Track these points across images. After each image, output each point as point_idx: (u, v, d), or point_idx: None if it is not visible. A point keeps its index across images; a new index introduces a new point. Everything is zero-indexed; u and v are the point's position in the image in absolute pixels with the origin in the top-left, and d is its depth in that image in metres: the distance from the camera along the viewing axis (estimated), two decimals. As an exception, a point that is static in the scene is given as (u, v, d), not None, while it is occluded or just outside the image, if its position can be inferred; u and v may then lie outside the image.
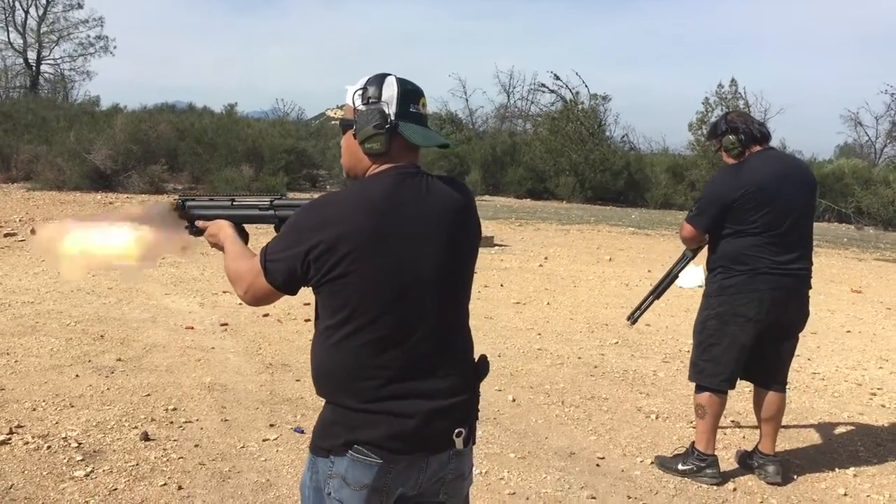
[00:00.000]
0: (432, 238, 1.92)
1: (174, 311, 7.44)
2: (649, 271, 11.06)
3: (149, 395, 5.02)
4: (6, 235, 11.86)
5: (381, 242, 1.86)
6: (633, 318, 4.65)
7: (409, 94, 1.96)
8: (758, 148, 4.03)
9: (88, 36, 42.91)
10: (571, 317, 8.19)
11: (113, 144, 20.34)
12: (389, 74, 1.98)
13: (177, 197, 2.48)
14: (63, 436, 4.27)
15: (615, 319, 8.10)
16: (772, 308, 3.98)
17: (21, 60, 42.36)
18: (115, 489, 3.68)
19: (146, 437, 4.29)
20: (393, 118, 1.92)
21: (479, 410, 2.09)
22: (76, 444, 4.16)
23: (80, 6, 42.26)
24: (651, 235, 17.13)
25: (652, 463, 4.35)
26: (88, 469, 3.87)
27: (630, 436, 4.78)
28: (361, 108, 1.95)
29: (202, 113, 31.94)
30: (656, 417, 5.14)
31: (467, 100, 41.48)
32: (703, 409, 4.13)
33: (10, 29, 41.57)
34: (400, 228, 1.88)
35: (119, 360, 5.73)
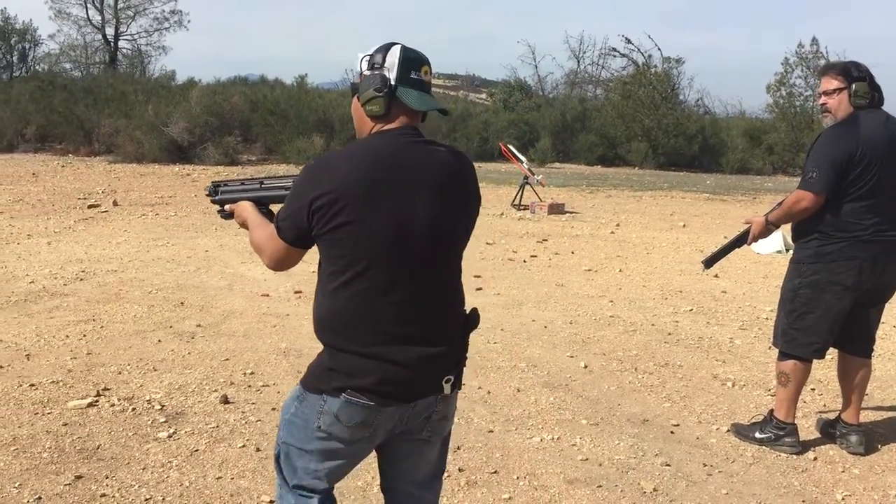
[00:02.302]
0: (425, 195, 2.00)
1: (250, 279, 7.60)
2: (725, 237, 10.78)
3: (227, 359, 5.16)
4: (90, 207, 12.29)
5: (375, 195, 1.95)
6: (708, 263, 4.47)
7: (411, 61, 2.06)
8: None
9: (163, 11, 43.83)
10: (644, 284, 8.07)
11: (189, 117, 20.85)
12: (396, 43, 2.08)
13: (210, 182, 2.54)
14: (147, 398, 4.42)
15: (690, 286, 7.95)
16: (869, 276, 3.82)
17: (100, 37, 43.56)
18: (197, 450, 3.80)
19: (225, 400, 4.41)
20: (393, 83, 2.03)
21: (467, 358, 2.20)
22: (159, 407, 4.31)
23: (154, -19, 43.12)
24: (727, 201, 16.73)
25: (728, 431, 4.27)
26: (171, 430, 4.00)
27: (705, 403, 4.70)
28: (367, 73, 2.08)
29: (274, 85, 32.38)
30: (733, 385, 5.04)
31: (536, 66, 41.25)
32: (787, 376, 4.01)
33: (89, 6, 42.74)
34: (394, 183, 1.97)
35: (199, 325, 5.90)
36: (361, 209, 1.93)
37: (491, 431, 4.14)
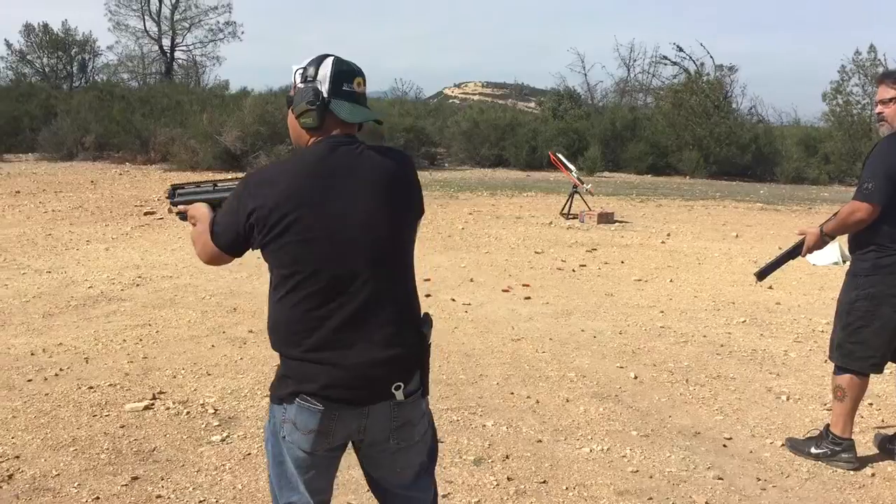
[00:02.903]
0: (362, 200, 2.04)
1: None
2: (779, 248, 10.59)
3: (278, 365, 5.21)
4: (146, 214, 12.57)
5: (312, 204, 2.00)
6: (761, 275, 4.39)
7: (344, 73, 2.10)
8: None
9: (218, 22, 44.72)
10: (696, 294, 7.96)
11: (242, 126, 21.19)
12: (329, 56, 2.12)
13: (170, 185, 2.61)
14: (201, 402, 4.51)
15: (742, 297, 7.82)
16: None
17: (156, 48, 44.63)
18: (249, 454, 3.86)
19: (277, 406, 4.47)
20: (325, 95, 2.07)
21: (428, 364, 2.17)
22: (213, 411, 4.39)
23: (209, -7, 44.06)
24: (781, 211, 16.42)
25: (783, 445, 4.19)
26: (224, 434, 4.08)
27: (759, 417, 4.62)
28: (300, 85, 2.11)
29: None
30: (787, 399, 4.94)
31: (586, 75, 40.69)
32: (843, 391, 3.92)
33: (146, 17, 43.82)
34: (330, 191, 2.02)
35: (250, 331, 5.99)
36: (297, 221, 1.98)
37: (540, 441, 4.13)
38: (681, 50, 34.22)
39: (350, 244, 2.02)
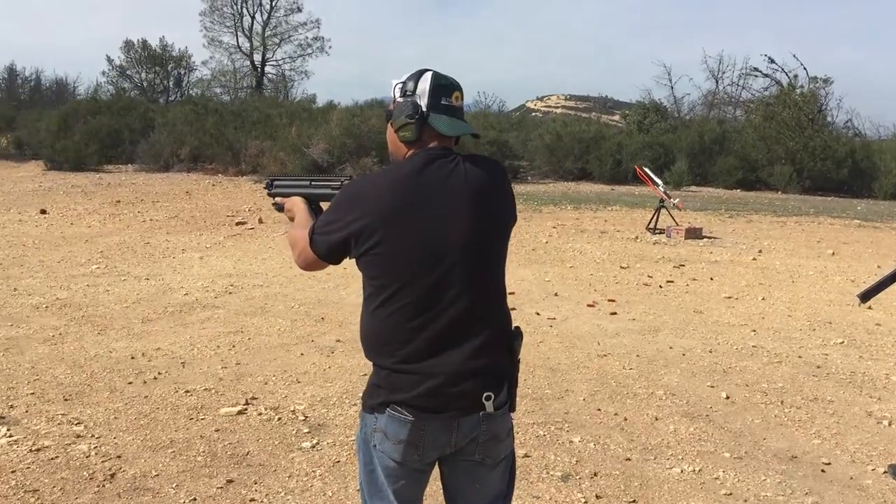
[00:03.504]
0: (457, 212, 2.04)
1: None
2: (879, 267, 10.17)
3: (366, 374, 5.24)
4: (238, 224, 12.95)
5: (407, 217, 2.01)
6: (865, 297, 4.22)
7: (442, 88, 2.12)
8: None
9: (306, 38, 45.95)
10: (790, 313, 7.71)
11: (329, 139, 21.63)
12: (428, 70, 2.14)
13: (269, 177, 2.68)
14: (291, 409, 4.61)
15: (840, 317, 7.53)
16: None
17: (248, 63, 46.06)
18: (338, 461, 3.92)
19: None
20: (424, 109, 2.10)
21: (517, 378, 2.17)
22: (303, 417, 4.48)
23: (299, 10, 45.35)
24: (880, 228, 15.76)
25: (885, 472, 4.01)
26: (314, 441, 4.15)
27: (859, 442, 4.44)
28: (399, 100, 2.14)
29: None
30: (889, 423, 4.73)
31: (672, 87, 40.26)
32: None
33: (239, 34, 45.30)
34: (426, 203, 2.03)
35: (338, 341, 6.09)
36: (392, 232, 2.01)
37: (628, 459, 4.06)
38: (772, 61, 33.43)
39: (444, 256, 2.04)
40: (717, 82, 41.38)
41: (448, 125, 2.12)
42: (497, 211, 2.15)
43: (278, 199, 2.61)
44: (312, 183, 2.55)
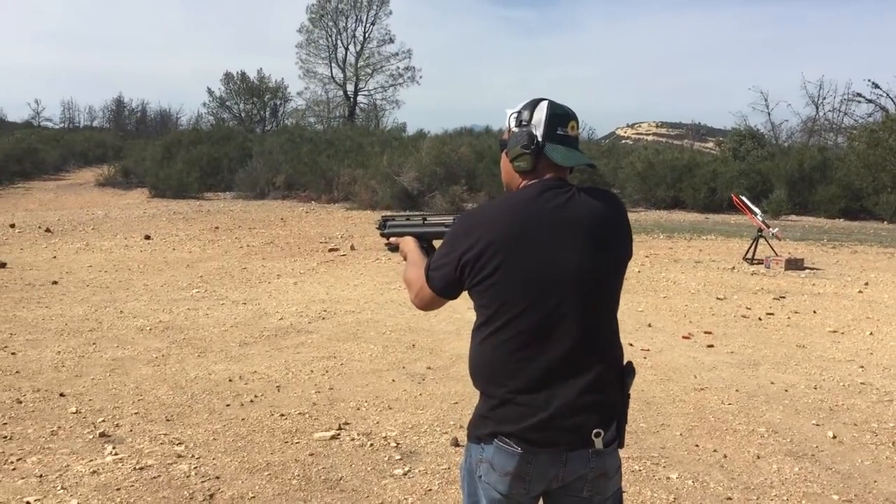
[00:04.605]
0: (572, 243, 2.01)
1: (477, 324, 7.75)
2: None
3: (456, 402, 5.28)
4: (331, 250, 13.20)
5: (521, 246, 1.99)
6: None
7: (558, 117, 2.09)
8: None
9: (398, 68, 46.89)
10: (900, 349, 7.32)
11: (419, 167, 21.91)
12: (544, 100, 2.11)
13: (381, 216, 2.67)
14: (384, 435, 4.62)
15: (956, 355, 7.10)
16: None
17: (341, 93, 47.26)
18: (430, 490, 3.90)
19: (456, 443, 4.51)
20: (540, 139, 2.07)
21: (626, 415, 2.11)
22: (395, 444, 4.49)
23: (391, 40, 46.36)
24: None
25: None
26: (406, 468, 4.15)
27: (982, 490, 4.15)
28: (515, 129, 2.12)
29: (497, 135, 33.27)
30: None
31: (769, 113, 38.91)
32: None
33: (333, 65, 46.56)
34: (539, 234, 2.00)
35: (429, 368, 6.10)
36: (505, 262, 1.99)
37: (729, 499, 3.90)
38: (877, 86, 32.13)
39: (558, 287, 2.00)
40: (817, 108, 40.07)
41: (564, 155, 2.10)
42: (613, 245, 2.11)
43: (392, 239, 2.61)
44: (426, 221, 2.55)
